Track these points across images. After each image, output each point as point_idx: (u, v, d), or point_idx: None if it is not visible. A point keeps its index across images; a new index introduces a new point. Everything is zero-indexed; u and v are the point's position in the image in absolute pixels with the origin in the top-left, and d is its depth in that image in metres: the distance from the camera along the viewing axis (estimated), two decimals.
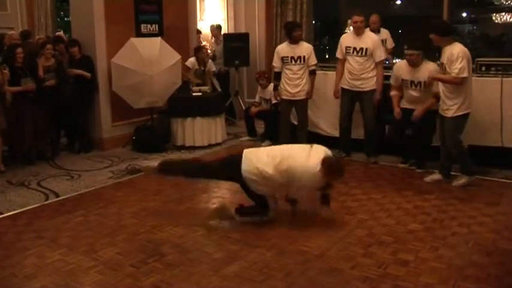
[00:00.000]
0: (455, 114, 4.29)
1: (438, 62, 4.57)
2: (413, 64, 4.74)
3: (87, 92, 5.88)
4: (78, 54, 5.82)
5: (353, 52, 5.26)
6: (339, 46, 5.41)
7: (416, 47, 4.74)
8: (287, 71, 5.52)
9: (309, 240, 3.34)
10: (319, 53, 8.90)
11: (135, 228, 3.61)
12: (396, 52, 6.39)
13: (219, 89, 7.16)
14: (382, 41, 6.07)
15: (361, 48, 5.21)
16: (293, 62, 5.48)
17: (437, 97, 4.57)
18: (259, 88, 6.61)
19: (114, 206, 4.08)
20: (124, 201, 4.19)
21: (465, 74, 4.20)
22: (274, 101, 6.20)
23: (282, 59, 5.50)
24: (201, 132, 6.14)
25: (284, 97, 5.62)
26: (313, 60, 5.53)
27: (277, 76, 5.65)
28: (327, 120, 5.86)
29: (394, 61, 5.47)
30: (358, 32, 5.23)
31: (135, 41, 5.87)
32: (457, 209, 3.91)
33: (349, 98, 5.37)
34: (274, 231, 3.48)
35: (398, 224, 3.61)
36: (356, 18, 5.19)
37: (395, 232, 3.47)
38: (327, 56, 9.11)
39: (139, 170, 5.17)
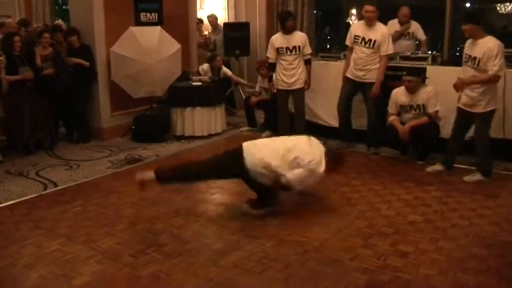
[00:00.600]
0: (486, 110, 4.22)
1: (468, 56, 4.29)
2: (412, 90, 4.77)
3: (85, 81, 5.86)
4: (77, 43, 5.79)
5: (361, 42, 5.22)
6: (348, 33, 5.38)
7: (415, 74, 4.78)
8: (282, 62, 5.50)
9: (309, 231, 3.34)
10: (320, 42, 8.90)
11: (134, 218, 3.61)
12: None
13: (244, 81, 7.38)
14: (412, 33, 6.06)
15: (370, 40, 5.18)
16: (288, 53, 5.45)
17: (430, 117, 4.71)
18: (259, 78, 6.58)
19: (113, 196, 4.08)
20: (123, 191, 4.18)
21: (504, 71, 4.16)
22: (274, 91, 6.18)
23: (277, 50, 5.48)
24: (201, 122, 6.13)
25: (280, 87, 5.60)
26: (308, 50, 5.50)
27: (272, 67, 5.64)
28: (326, 110, 5.84)
29: (429, 52, 5.47)
30: (369, 23, 5.18)
31: (134, 29, 5.83)
32: (458, 201, 3.90)
33: (351, 87, 5.35)
34: (273, 222, 3.48)
35: (399, 216, 3.61)
36: (368, 7, 5.13)
37: (395, 223, 3.47)
38: (328, 46, 9.08)
39: (138, 159, 5.18)
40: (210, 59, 7.00)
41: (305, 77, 5.51)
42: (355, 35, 5.25)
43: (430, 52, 5.46)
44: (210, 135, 6.19)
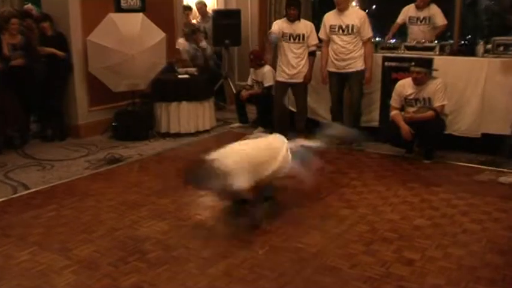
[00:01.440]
0: None
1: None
2: (420, 83, 4.79)
3: (60, 73, 5.80)
4: (50, 31, 5.72)
5: (338, 30, 5.26)
6: (322, 26, 5.43)
7: (425, 65, 4.80)
8: (285, 48, 5.46)
9: (305, 236, 3.33)
10: (317, 32, 8.88)
11: (114, 223, 3.58)
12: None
13: (220, 69, 7.34)
14: (429, 18, 6.10)
15: (347, 26, 5.21)
16: (291, 40, 5.43)
17: (436, 112, 4.71)
18: (251, 69, 6.56)
19: (91, 199, 4.04)
20: (102, 194, 4.15)
21: None
22: (266, 84, 6.18)
23: (282, 34, 5.44)
24: (188, 118, 6.11)
25: (280, 79, 5.58)
26: (313, 40, 5.49)
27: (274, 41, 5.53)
28: (326, 106, 5.84)
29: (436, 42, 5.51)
30: (341, 8, 5.21)
31: (114, 16, 5.78)
32: (469, 203, 3.91)
33: (337, 81, 5.41)
34: (266, 227, 3.46)
35: (403, 220, 3.61)
36: None
37: (400, 228, 3.46)
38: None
39: (119, 159, 5.14)
40: (191, 34, 6.90)
41: (306, 69, 5.52)
42: (331, 25, 5.30)
43: (436, 41, 5.48)
44: (197, 133, 6.17)
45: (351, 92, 5.40)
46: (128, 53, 5.64)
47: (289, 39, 5.43)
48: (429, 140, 4.88)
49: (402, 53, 5.47)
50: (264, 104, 6.13)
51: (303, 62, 5.47)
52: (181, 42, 6.87)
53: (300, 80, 5.52)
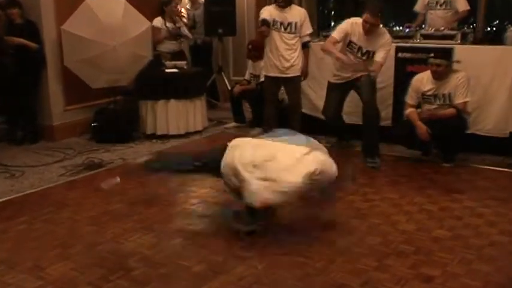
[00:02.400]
0: None
1: None
2: (440, 77, 4.80)
3: (31, 67, 5.80)
4: (19, 19, 5.71)
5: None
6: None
7: (446, 56, 4.79)
8: (276, 38, 5.43)
9: (309, 249, 3.33)
10: (322, 19, 8.91)
11: (94, 237, 3.58)
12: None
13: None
14: (450, 2, 6.13)
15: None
16: (282, 29, 5.42)
17: (457, 109, 4.72)
18: (249, 62, 6.57)
19: (67, 210, 4.04)
20: (80, 204, 4.15)
21: None
22: (262, 79, 6.20)
23: (272, 22, 5.41)
24: (177, 118, 6.12)
25: (271, 74, 5.57)
26: (307, 29, 5.48)
27: (267, 24, 5.44)
28: None
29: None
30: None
31: (91, 3, 5.79)
32: (497, 212, 3.91)
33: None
34: (266, 238, 3.46)
35: (420, 231, 3.61)
36: None
37: (417, 240, 3.47)
38: (332, 24, 9.09)
39: (99, 164, 5.14)
40: (165, 4, 6.83)
41: (303, 65, 5.51)
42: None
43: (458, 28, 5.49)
44: (188, 134, 6.18)
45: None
46: (108, 44, 5.65)
47: (280, 28, 5.41)
48: (449, 140, 4.89)
49: (418, 43, 5.48)
50: (258, 100, 6.14)
51: (296, 54, 5.44)
52: (158, 26, 6.81)
53: (293, 73, 5.49)
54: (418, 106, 4.99)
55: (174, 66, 6.33)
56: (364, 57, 5.02)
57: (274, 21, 5.40)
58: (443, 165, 4.95)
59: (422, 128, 4.78)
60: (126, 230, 3.65)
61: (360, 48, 5.01)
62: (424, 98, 4.92)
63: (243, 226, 3.53)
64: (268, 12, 5.42)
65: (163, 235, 3.57)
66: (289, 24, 5.39)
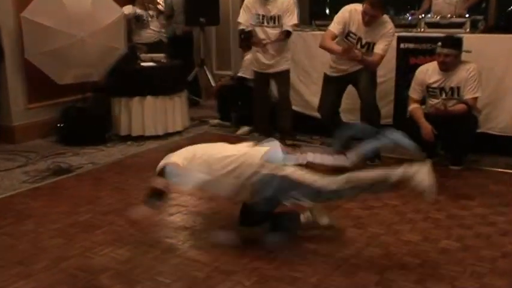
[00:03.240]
0: None
1: None
2: (448, 68, 4.83)
3: None
4: None
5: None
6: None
7: (455, 46, 4.79)
8: (260, 34, 5.58)
9: (303, 263, 3.33)
10: (316, 7, 8.92)
11: (61, 251, 3.55)
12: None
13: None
14: None
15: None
16: (266, 23, 5.54)
17: (468, 105, 4.74)
18: (244, 61, 6.54)
19: (30, 222, 4.01)
20: (44, 215, 4.12)
21: None
22: (240, 73, 6.23)
23: (255, 16, 5.57)
24: (154, 118, 6.12)
25: (257, 69, 5.68)
26: (290, 20, 5.54)
27: (247, 37, 5.66)
28: None
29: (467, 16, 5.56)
30: None
31: None
32: (511, 220, 3.93)
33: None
34: (254, 251, 3.46)
35: (426, 241, 3.63)
36: None
37: (422, 252, 3.48)
38: (327, 11, 9.10)
39: (67, 169, 5.12)
40: None
41: (290, 54, 5.62)
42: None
43: (468, 16, 5.51)
44: (167, 135, 6.19)
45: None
46: (75, 34, 5.63)
47: (263, 22, 5.53)
48: (457, 140, 4.92)
49: (422, 32, 5.51)
50: (235, 97, 6.21)
51: (285, 47, 5.59)
52: (131, 12, 6.81)
53: (282, 67, 5.64)
54: (423, 102, 5.01)
55: (151, 60, 6.32)
56: (363, 49, 5.03)
57: (257, 15, 5.53)
58: (450, 168, 4.98)
59: (426, 127, 4.80)
60: (97, 243, 3.63)
61: (359, 39, 5.02)
62: (428, 91, 4.94)
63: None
64: (247, 11, 5.58)
65: (139, 248, 3.55)
66: (273, 17, 5.51)
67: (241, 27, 5.65)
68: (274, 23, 5.50)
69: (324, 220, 3.64)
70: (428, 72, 4.94)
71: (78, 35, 5.64)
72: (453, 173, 4.87)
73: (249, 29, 5.61)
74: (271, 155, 3.39)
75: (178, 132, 6.29)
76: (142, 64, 6.27)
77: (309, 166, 3.37)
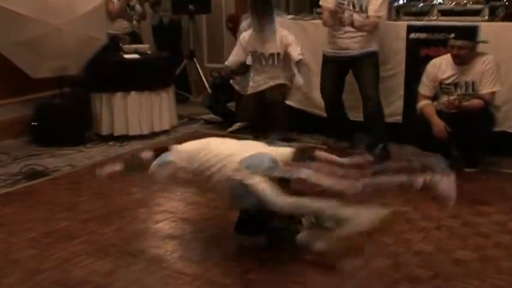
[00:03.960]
0: None
1: None
2: (463, 62, 4.83)
3: None
4: None
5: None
6: None
7: (470, 37, 4.80)
8: (257, 68, 5.84)
9: (303, 275, 3.33)
10: None
11: (35, 263, 3.54)
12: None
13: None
14: None
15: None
16: (263, 62, 5.78)
17: (484, 100, 4.74)
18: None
19: (1, 231, 4.00)
20: (17, 222, 4.12)
21: None
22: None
23: (251, 53, 5.82)
24: (139, 115, 6.14)
25: (251, 90, 5.90)
26: (295, 51, 5.67)
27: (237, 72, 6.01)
28: None
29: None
30: None
31: None
32: None
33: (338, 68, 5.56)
34: (249, 263, 3.45)
35: (440, 251, 3.62)
36: None
37: (435, 263, 3.47)
38: None
39: (42, 172, 5.13)
40: None
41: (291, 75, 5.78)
42: None
43: (486, 2, 5.51)
44: (153, 134, 6.20)
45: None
46: (51, 23, 5.62)
47: (261, 59, 5.78)
48: (473, 140, 4.91)
49: (435, 20, 5.51)
50: (220, 92, 6.29)
51: (284, 75, 5.80)
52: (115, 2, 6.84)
53: (280, 81, 5.83)
54: (434, 98, 5.01)
55: (135, 51, 6.32)
56: (359, 13, 5.16)
57: (252, 52, 5.79)
58: (466, 170, 4.97)
59: (439, 124, 4.79)
60: (76, 254, 3.62)
61: (351, 2, 5.14)
62: (442, 87, 4.94)
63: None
64: (241, 49, 5.89)
65: (122, 259, 3.54)
66: (271, 55, 5.74)
67: (229, 63, 6.01)
68: (272, 61, 5.78)
69: (319, 244, 3.54)
70: (441, 66, 4.94)
71: (54, 24, 5.63)
72: (468, 176, 4.86)
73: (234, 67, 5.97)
74: (253, 161, 3.36)
75: (165, 132, 6.30)
76: (126, 56, 6.27)
77: (298, 183, 3.34)
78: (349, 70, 5.42)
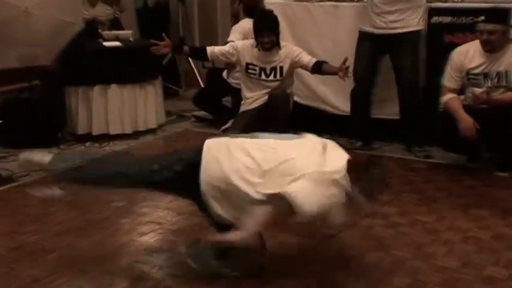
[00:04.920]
0: None
1: None
2: (493, 49, 4.83)
3: None
4: None
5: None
6: None
7: (501, 20, 4.81)
8: (251, 79, 5.84)
9: None
10: None
11: (2, 282, 3.52)
12: None
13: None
14: None
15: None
16: (263, 75, 5.78)
17: None
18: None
19: None
20: None
21: None
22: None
23: (247, 65, 5.78)
24: (120, 111, 6.16)
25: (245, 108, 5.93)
26: (304, 58, 5.71)
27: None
28: (339, 90, 5.91)
29: None
30: None
31: None
32: None
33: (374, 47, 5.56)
34: (246, 281, 3.45)
35: (466, 267, 3.62)
36: None
37: (462, 281, 3.47)
38: None
39: (9, 178, 5.11)
40: None
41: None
42: None
43: None
44: (137, 134, 6.21)
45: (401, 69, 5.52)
46: (18, 5, 5.65)
47: (260, 73, 5.78)
48: (505, 140, 4.92)
49: (460, 2, 5.51)
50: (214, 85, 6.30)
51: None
52: None
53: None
54: (460, 91, 5.01)
55: (116, 38, 6.31)
56: None
57: (250, 64, 5.80)
58: (497, 174, 5.00)
59: (466, 121, 4.79)
60: (49, 272, 3.60)
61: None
62: (469, 78, 4.94)
63: (229, 270, 3.49)
64: (245, 50, 5.82)
65: (102, 278, 3.53)
66: (273, 69, 5.74)
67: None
68: (274, 76, 5.77)
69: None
70: (468, 54, 4.94)
71: (22, 6, 5.65)
72: (500, 182, 4.88)
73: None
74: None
75: (151, 130, 6.32)
76: (105, 44, 6.25)
77: None
78: (385, 53, 5.46)
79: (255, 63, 5.77)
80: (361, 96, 5.67)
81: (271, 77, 5.77)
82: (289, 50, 5.75)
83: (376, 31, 5.43)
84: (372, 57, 5.55)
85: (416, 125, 5.46)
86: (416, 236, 4.01)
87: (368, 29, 5.50)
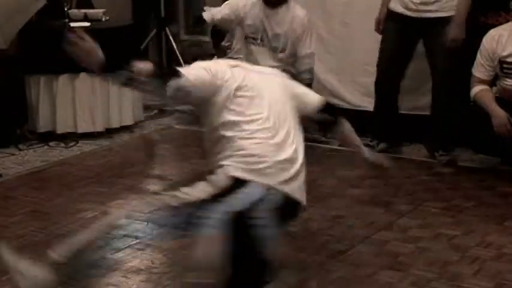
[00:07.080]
0: None
1: None
2: None
3: None
4: None
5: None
6: None
7: None
8: (255, 54, 5.73)
9: None
10: None
11: None
12: None
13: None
14: None
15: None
16: (261, 43, 5.67)
17: None
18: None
19: None
20: None
21: None
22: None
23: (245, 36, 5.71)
24: (90, 106, 6.17)
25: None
26: (306, 48, 5.65)
27: (215, 35, 5.88)
28: (355, 84, 5.97)
29: None
30: None
31: None
32: None
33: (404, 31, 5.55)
34: None
35: None
36: None
37: None
38: None
39: None
40: None
41: None
42: None
43: None
44: (110, 132, 6.25)
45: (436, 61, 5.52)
46: None
47: (258, 40, 5.66)
48: None
49: None
50: None
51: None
52: None
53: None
54: (493, 83, 5.04)
55: (85, 18, 6.30)
56: None
57: (248, 26, 5.67)
58: None
59: (500, 116, 4.83)
60: None
61: None
62: (503, 67, 4.97)
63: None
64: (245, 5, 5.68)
65: None
66: (276, 35, 5.62)
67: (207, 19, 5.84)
68: (277, 42, 5.64)
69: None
70: (501, 39, 4.97)
71: None
72: None
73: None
74: None
75: (126, 128, 6.36)
76: (72, 24, 6.24)
77: None
78: (417, 40, 5.48)
79: (254, 23, 5.68)
80: (386, 89, 5.68)
81: (271, 45, 5.68)
82: (300, 24, 5.63)
83: (409, 13, 5.40)
84: (401, 42, 5.52)
85: (448, 123, 5.42)
86: (440, 252, 4.02)
87: (399, 9, 5.46)
